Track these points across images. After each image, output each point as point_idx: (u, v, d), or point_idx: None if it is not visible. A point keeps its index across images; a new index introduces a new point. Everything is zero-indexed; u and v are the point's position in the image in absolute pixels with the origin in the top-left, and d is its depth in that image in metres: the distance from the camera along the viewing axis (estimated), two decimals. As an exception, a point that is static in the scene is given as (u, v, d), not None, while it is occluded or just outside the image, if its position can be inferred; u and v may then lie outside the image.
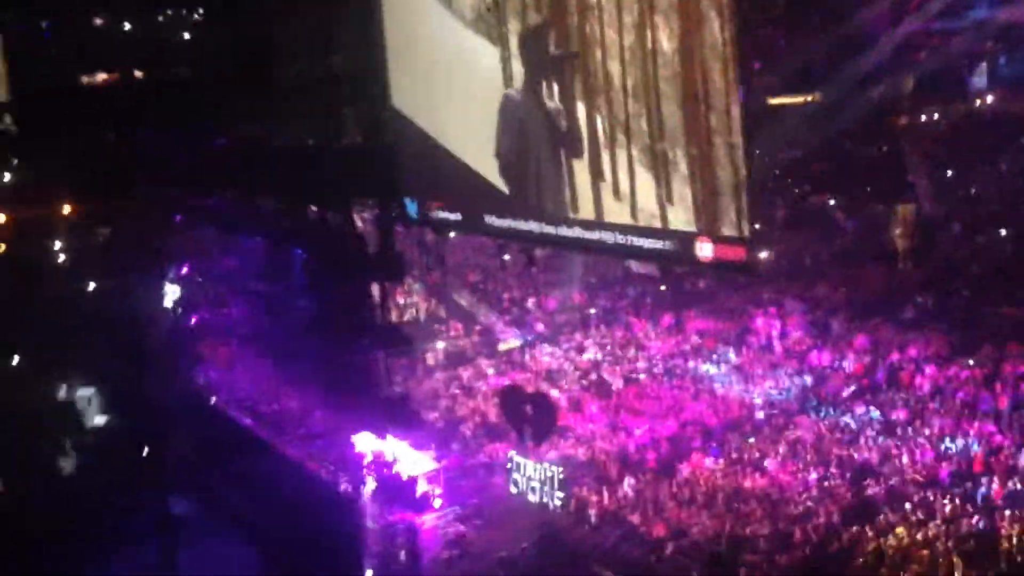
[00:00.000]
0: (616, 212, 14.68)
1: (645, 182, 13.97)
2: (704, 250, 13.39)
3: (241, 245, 24.79)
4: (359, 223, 23.46)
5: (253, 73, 24.75)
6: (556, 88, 14.80)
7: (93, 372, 21.79)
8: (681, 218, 13.50)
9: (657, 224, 13.89)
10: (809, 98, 22.09)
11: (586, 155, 14.56)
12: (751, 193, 13.48)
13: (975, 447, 13.71)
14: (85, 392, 21.43)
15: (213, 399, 21.09)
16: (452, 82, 18.28)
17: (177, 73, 28.22)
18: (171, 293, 24.62)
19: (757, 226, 13.99)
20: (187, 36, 28.61)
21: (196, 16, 28.65)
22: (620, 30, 14.02)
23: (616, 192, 14.85)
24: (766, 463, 14.48)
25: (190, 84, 27.61)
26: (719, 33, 12.12)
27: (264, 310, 23.27)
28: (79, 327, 22.81)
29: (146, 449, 19.10)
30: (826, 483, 13.71)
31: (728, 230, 13.21)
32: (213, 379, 21.82)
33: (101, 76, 28.17)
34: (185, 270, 25.14)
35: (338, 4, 22.28)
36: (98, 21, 27.86)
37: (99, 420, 21.04)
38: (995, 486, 12.74)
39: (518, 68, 15.82)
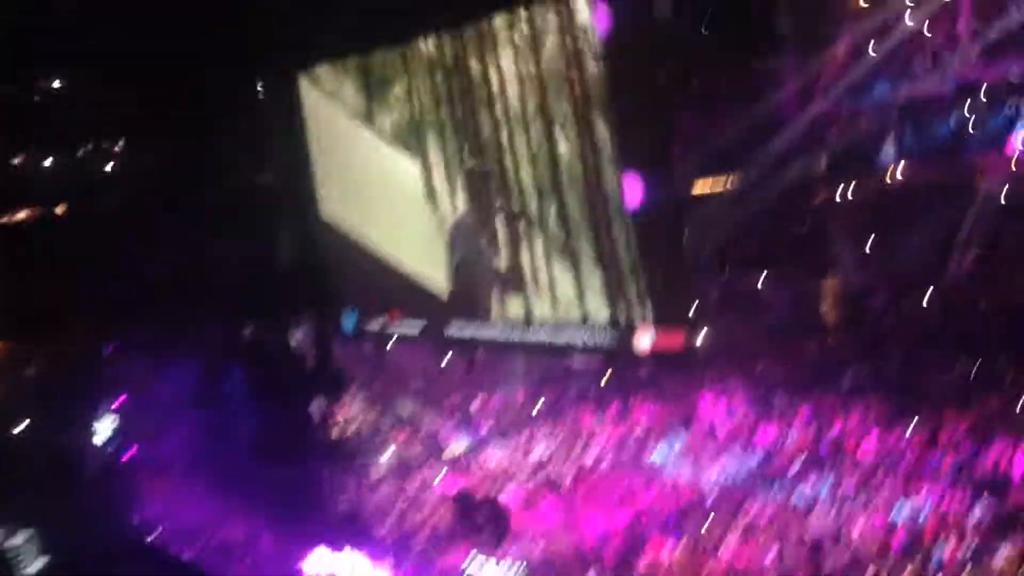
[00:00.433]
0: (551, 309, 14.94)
1: (580, 280, 14.30)
2: (643, 341, 13.67)
3: (176, 372, 24.34)
4: (296, 340, 23.32)
5: (180, 197, 24.76)
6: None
7: (27, 515, 20.93)
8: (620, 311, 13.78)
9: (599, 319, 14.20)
10: (730, 184, 22.78)
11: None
12: (685, 280, 13.85)
13: (924, 512, 13.80)
14: (19, 538, 20.52)
15: (155, 533, 20.38)
16: (380, 193, 18.61)
17: (100, 204, 28.04)
18: (104, 427, 23.95)
19: (693, 312, 14.33)
20: (109, 168, 28.55)
21: (117, 148, 28.67)
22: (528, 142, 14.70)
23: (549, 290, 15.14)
24: (723, 547, 14.38)
25: (114, 214, 27.43)
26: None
27: (204, 436, 22.75)
28: (11, 468, 22.00)
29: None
30: (784, 561, 13.65)
31: (666, 319, 13.53)
32: (152, 513, 21.10)
33: (21, 214, 27.87)
34: (117, 403, 24.53)
35: (263, 122, 22.56)
36: (16, 160, 27.70)
37: (36, 567, 20.12)
38: (949, 550, 12.80)
39: (439, 181, 16.29)
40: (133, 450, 23.44)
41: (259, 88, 22.78)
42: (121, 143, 28.41)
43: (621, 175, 13.74)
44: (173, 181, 25.06)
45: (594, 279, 14.66)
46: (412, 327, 17.97)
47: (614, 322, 14.60)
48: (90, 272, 26.71)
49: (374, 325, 19.76)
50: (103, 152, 28.68)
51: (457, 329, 16.64)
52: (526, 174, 15.79)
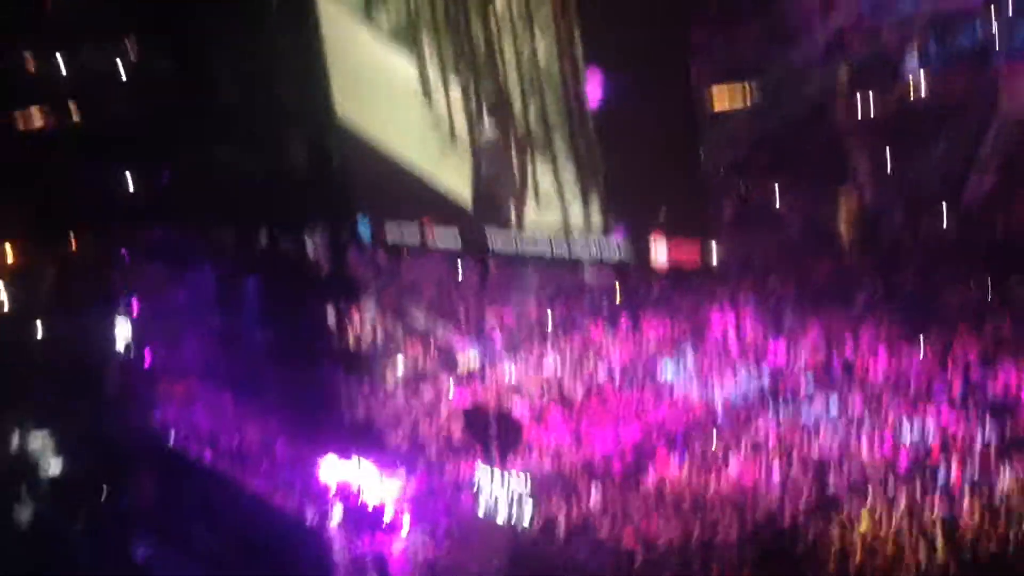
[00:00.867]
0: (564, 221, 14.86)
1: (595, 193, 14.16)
2: (660, 254, 13.61)
3: (191, 278, 24.49)
4: (311, 247, 23.35)
5: (194, 102, 24.51)
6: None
7: (47, 418, 21.37)
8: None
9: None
10: (748, 96, 22.35)
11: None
12: (703, 194, 13.76)
13: (932, 433, 13.93)
14: (38, 437, 21.00)
15: (172, 437, 20.80)
16: (390, 94, 18.42)
17: (113, 107, 27.81)
18: (122, 332, 24.22)
19: (707, 225, 14.24)
20: (120, 69, 28.20)
21: (130, 46, 28.27)
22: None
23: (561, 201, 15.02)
24: (729, 464, 14.60)
25: (128, 118, 27.23)
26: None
27: (219, 342, 23.01)
28: (29, 372, 22.36)
29: (105, 492, 18.78)
30: (789, 481, 13.86)
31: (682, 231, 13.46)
32: (171, 416, 21.51)
33: (36, 115, 27.67)
34: (136, 307, 24.75)
35: (277, 27, 22.17)
36: (29, 58, 27.36)
37: (55, 466, 20.63)
38: (955, 471, 12.96)
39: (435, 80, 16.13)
40: (149, 355, 23.77)
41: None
42: (133, 42, 28.02)
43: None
44: (185, 85, 24.77)
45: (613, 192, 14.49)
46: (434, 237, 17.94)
47: (628, 234, 14.47)
48: (103, 176, 26.66)
49: (391, 233, 19.66)
50: (114, 52, 28.31)
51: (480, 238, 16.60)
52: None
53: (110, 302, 24.73)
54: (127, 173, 27.33)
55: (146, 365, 23.76)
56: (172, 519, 17.75)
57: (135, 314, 24.61)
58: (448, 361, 20.54)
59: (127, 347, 24.15)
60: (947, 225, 19.36)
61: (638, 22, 14.49)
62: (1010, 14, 21.93)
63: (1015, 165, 19.41)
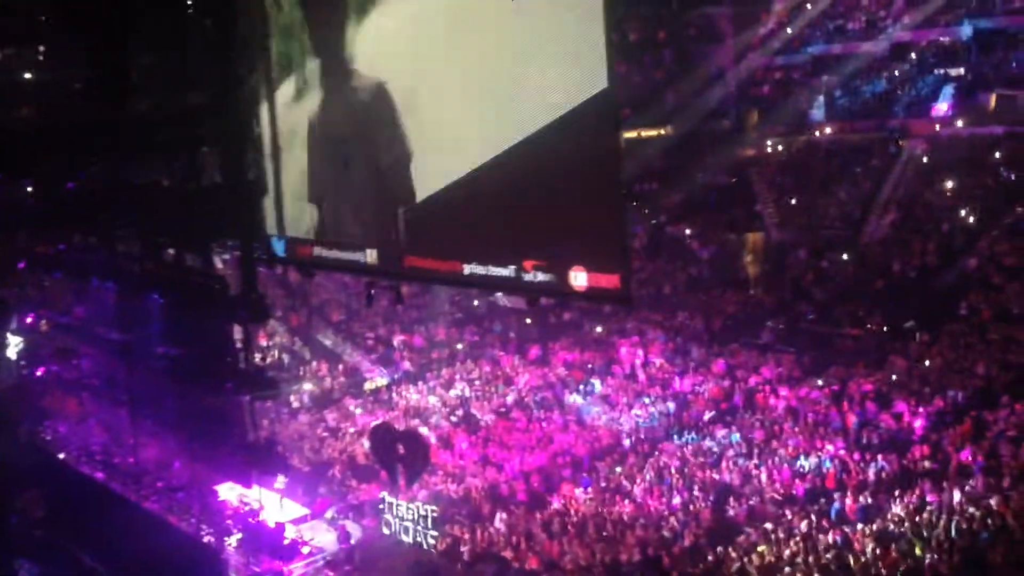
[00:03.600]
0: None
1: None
2: (579, 279, 13.68)
3: (93, 292, 23.72)
4: (219, 264, 22.87)
5: (104, 110, 23.86)
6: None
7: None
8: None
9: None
10: (662, 131, 22.88)
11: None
12: (621, 221, 13.89)
13: (827, 464, 14.31)
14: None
15: (62, 454, 20.04)
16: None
17: (19, 114, 26.94)
18: (15, 345, 23.34)
19: (620, 256, 14.35)
20: (28, 76, 27.39)
21: (39, 53, 27.49)
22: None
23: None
24: (634, 490, 14.75)
25: (35, 125, 26.40)
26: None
27: (118, 358, 22.29)
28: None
29: (-9, 511, 17.95)
30: (691, 506, 14.05)
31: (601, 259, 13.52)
32: (62, 433, 20.74)
33: (-65, 119, 26.65)
34: (30, 320, 23.89)
35: (194, 36, 21.80)
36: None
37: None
38: (848, 501, 13.31)
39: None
40: (43, 369, 22.94)
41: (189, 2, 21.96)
42: (41, 50, 27.26)
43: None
44: (96, 94, 24.15)
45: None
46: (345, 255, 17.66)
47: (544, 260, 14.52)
48: (5, 185, 25.75)
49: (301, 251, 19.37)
50: (21, 59, 27.50)
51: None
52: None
53: (4, 311, 23.84)
54: (29, 182, 26.49)
55: (40, 380, 22.92)
56: (61, 538, 17.07)
57: (28, 327, 23.77)
58: (356, 383, 20.34)
59: (20, 361, 23.29)
60: (847, 264, 20.10)
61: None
62: (913, 67, 23.00)
63: (911, 209, 20.30)
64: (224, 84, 21.10)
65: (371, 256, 14.76)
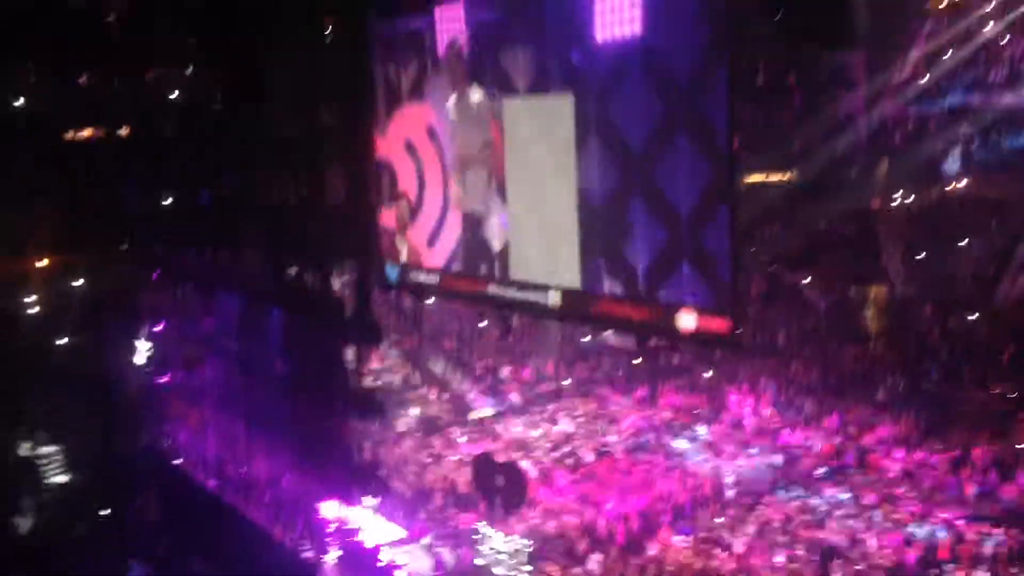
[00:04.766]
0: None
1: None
2: (687, 321, 13.54)
3: (218, 304, 24.70)
4: (337, 285, 23.51)
5: (239, 130, 24.93)
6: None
7: (58, 428, 21.48)
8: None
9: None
10: (786, 177, 22.46)
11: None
12: (735, 266, 13.68)
13: (941, 533, 13.70)
14: (48, 449, 21.10)
15: (179, 461, 20.82)
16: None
17: (163, 130, 28.36)
18: (144, 350, 24.42)
19: (736, 302, 14.12)
20: (175, 94, 28.82)
21: (186, 74, 28.88)
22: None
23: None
24: (735, 543, 14.40)
25: (175, 141, 27.74)
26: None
27: (237, 371, 23.10)
28: (48, 381, 22.54)
29: (107, 510, 18.78)
30: (793, 565, 13.64)
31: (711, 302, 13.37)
32: (181, 440, 21.55)
33: (86, 132, 28.28)
34: (160, 327, 24.96)
35: (328, 62, 22.58)
36: (84, 77, 28.05)
37: (60, 478, 20.68)
38: (960, 575, 12.71)
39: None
40: (168, 376, 23.91)
41: (327, 28, 22.76)
42: (189, 71, 28.65)
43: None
44: (233, 115, 25.23)
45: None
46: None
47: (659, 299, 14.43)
48: (144, 196, 27.10)
49: (417, 277, 19.71)
50: (169, 79, 28.95)
51: (502, 289, 16.54)
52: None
53: (136, 319, 24.98)
54: (166, 194, 27.80)
55: (163, 386, 23.91)
56: (171, 542, 17.71)
57: (159, 334, 24.84)
58: (462, 411, 20.51)
59: (147, 367, 24.33)
60: (976, 325, 19.25)
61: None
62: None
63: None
64: (355, 106, 21.80)
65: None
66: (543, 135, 14.00)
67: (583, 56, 12.85)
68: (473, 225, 15.75)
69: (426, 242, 17.01)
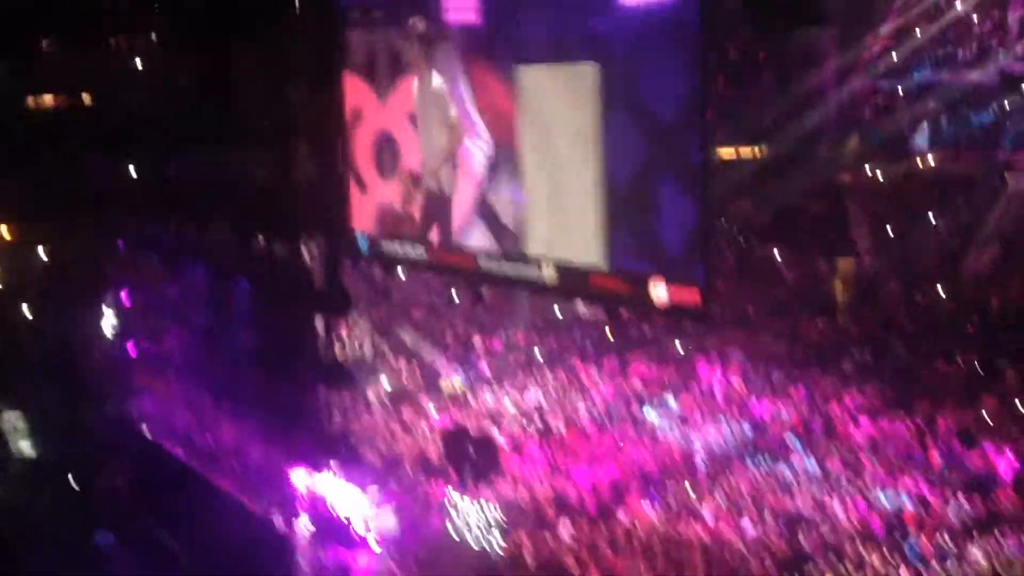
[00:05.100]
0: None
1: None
2: (659, 292, 13.61)
3: (184, 274, 24.46)
4: (306, 256, 23.32)
5: (206, 101, 24.61)
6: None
7: (23, 398, 21.26)
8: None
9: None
10: (757, 152, 22.52)
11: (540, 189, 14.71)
12: (708, 237, 13.77)
13: (906, 500, 13.89)
14: (13, 419, 20.88)
15: (147, 431, 20.68)
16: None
17: (128, 99, 27.93)
18: (109, 320, 24.17)
19: (707, 272, 14.19)
20: (140, 63, 28.35)
21: (151, 41, 28.42)
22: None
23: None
24: (703, 511, 14.52)
25: (140, 110, 27.33)
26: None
27: (205, 341, 22.92)
28: (11, 352, 22.29)
29: (75, 480, 18.65)
30: (762, 532, 13.78)
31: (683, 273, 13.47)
32: (148, 410, 21.39)
33: (48, 98, 27.80)
34: (125, 298, 24.71)
35: (296, 34, 22.29)
36: (46, 44, 27.54)
37: (26, 448, 20.49)
38: (924, 541, 12.90)
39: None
40: (133, 347, 23.70)
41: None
42: (153, 39, 28.21)
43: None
44: (199, 85, 24.90)
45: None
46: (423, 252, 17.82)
47: (631, 271, 14.50)
48: (109, 165, 26.72)
49: (389, 247, 19.61)
50: (133, 47, 28.49)
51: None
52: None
53: (100, 291, 24.72)
54: (131, 164, 27.42)
55: (129, 357, 23.68)
56: (138, 511, 17.61)
57: (124, 305, 24.58)
58: (431, 383, 20.48)
59: (112, 337, 24.09)
60: (941, 299, 19.47)
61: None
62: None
63: (1014, 243, 19.56)
64: (322, 78, 21.55)
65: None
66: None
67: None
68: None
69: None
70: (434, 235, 16.96)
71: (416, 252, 17.58)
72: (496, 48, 15.10)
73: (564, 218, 14.63)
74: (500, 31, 15.06)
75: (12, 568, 15.50)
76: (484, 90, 15.42)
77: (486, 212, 15.80)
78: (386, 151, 18.03)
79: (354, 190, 18.79)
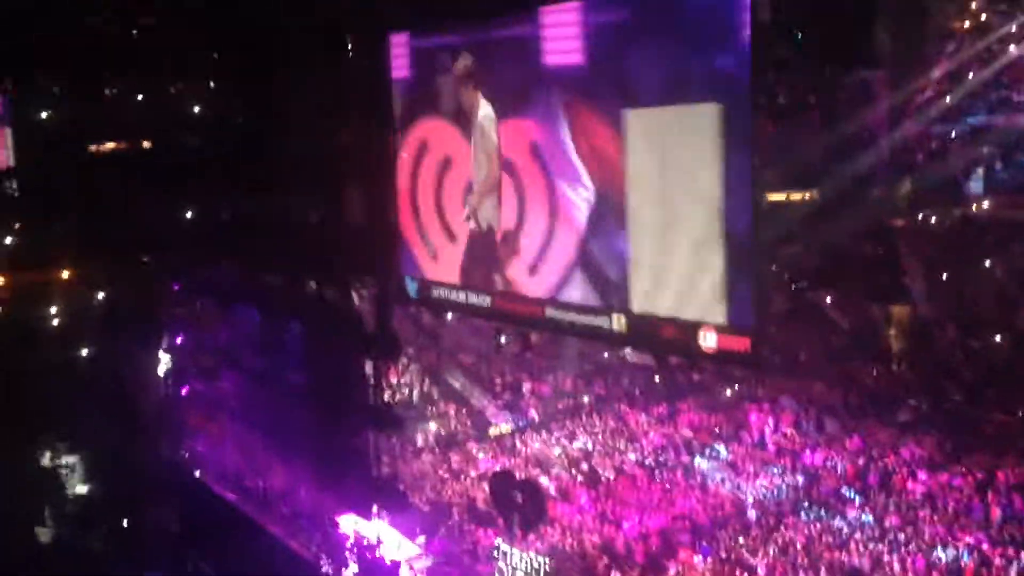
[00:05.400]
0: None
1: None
2: (708, 340, 13.44)
3: (238, 317, 24.78)
4: (356, 300, 23.54)
5: (261, 146, 25.09)
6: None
7: (79, 439, 21.59)
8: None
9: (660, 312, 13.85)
10: (808, 196, 22.33)
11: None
12: (758, 284, 13.58)
13: (966, 557, 13.53)
14: (69, 459, 21.22)
15: (198, 472, 20.85)
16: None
17: (185, 144, 28.58)
18: (164, 362, 24.51)
19: (757, 320, 14.02)
20: (197, 109, 29.02)
21: (208, 88, 29.09)
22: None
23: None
24: (755, 564, 14.26)
25: (197, 155, 27.93)
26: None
27: (256, 384, 23.14)
28: (69, 392, 22.65)
29: (126, 520, 18.85)
30: (816, 588, 13.51)
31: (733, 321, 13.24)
32: (200, 451, 21.59)
33: (109, 145, 28.52)
34: (180, 340, 25.06)
35: (348, 81, 22.65)
36: (108, 91, 28.30)
37: (81, 488, 20.78)
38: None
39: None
40: (188, 387, 23.98)
41: (349, 49, 22.87)
42: (211, 86, 28.86)
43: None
44: (255, 131, 25.40)
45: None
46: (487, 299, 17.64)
47: (680, 318, 14.25)
48: (165, 208, 27.26)
49: (437, 292, 19.65)
50: (191, 94, 29.17)
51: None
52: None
53: (156, 332, 25.11)
54: (187, 208, 27.96)
55: (183, 398, 23.96)
56: (188, 551, 17.72)
57: (178, 346, 24.93)
58: (481, 426, 20.46)
59: (167, 378, 24.42)
60: (999, 346, 19.06)
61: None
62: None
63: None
64: (374, 126, 21.82)
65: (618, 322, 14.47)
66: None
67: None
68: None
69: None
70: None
71: (480, 299, 17.25)
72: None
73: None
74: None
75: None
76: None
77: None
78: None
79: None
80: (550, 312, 15.53)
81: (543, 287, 15.51)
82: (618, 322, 14.45)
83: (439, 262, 18.02)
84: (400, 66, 18.48)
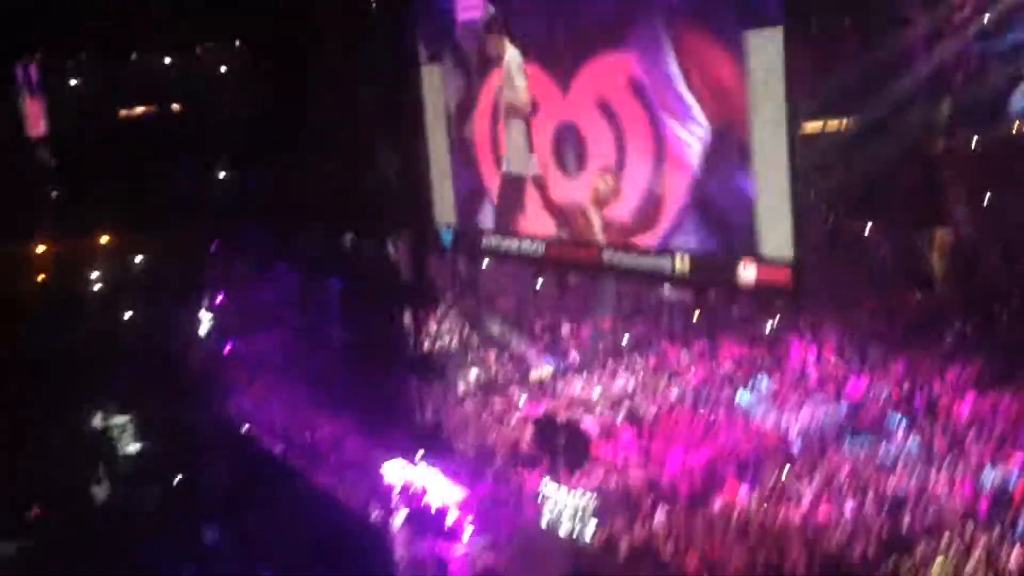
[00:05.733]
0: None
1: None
2: (747, 272, 13.29)
3: (276, 275, 25.02)
4: (392, 251, 23.60)
5: (291, 104, 25.09)
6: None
7: (128, 400, 22.02)
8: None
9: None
10: (844, 124, 21.90)
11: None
12: (796, 214, 13.43)
13: (1015, 478, 13.37)
14: (119, 420, 21.66)
15: (246, 427, 21.20)
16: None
17: (215, 105, 28.65)
18: (206, 322, 24.87)
19: (796, 250, 13.87)
20: (224, 69, 29.03)
21: (234, 49, 29.07)
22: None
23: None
24: (801, 494, 14.21)
25: (227, 116, 28.00)
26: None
27: (298, 339, 23.42)
28: (116, 356, 23.09)
29: (179, 477, 19.24)
30: (863, 514, 13.42)
31: (772, 252, 13.08)
32: (247, 407, 21.92)
33: (139, 109, 28.69)
34: (220, 299, 25.38)
35: (373, 36, 22.51)
36: (135, 56, 28.40)
37: (132, 448, 21.24)
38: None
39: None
40: (230, 346, 24.33)
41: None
42: (237, 44, 28.86)
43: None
44: (284, 89, 25.40)
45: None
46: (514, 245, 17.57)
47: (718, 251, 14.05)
48: (199, 171, 27.47)
49: (471, 240, 19.65)
50: (219, 52, 29.19)
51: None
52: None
53: (196, 292, 25.45)
54: (221, 170, 28.15)
55: (227, 357, 24.32)
56: (239, 507, 18.05)
57: (219, 305, 25.26)
58: (521, 372, 20.50)
59: (209, 337, 24.79)
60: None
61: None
62: None
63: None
64: (401, 76, 21.70)
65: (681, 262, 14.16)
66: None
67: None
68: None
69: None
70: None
71: (532, 247, 17.12)
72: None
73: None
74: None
75: (122, 565, 16.06)
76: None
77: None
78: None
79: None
80: (608, 256, 15.35)
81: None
82: (681, 262, 14.09)
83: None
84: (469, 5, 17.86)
